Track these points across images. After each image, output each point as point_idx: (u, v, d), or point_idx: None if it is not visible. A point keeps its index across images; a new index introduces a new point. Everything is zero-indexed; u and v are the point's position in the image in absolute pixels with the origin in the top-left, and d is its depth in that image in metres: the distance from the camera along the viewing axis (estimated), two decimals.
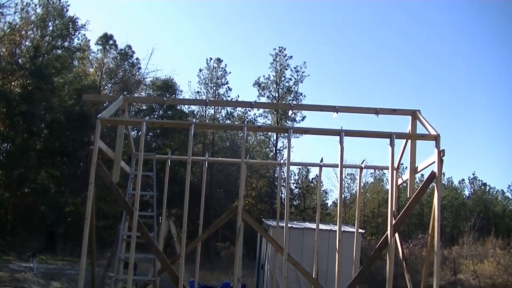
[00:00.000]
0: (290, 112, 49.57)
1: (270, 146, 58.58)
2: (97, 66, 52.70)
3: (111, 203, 40.15)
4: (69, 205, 44.87)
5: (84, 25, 49.79)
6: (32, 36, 47.12)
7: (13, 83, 43.97)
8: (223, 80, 57.76)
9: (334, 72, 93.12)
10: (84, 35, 51.32)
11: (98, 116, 13.08)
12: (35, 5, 47.28)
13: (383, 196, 56.83)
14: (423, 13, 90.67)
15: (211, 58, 58.28)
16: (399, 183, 15.69)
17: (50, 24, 48.30)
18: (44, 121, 45.03)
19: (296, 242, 21.00)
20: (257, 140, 61.11)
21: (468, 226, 46.44)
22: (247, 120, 53.86)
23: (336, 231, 13.23)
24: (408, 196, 14.47)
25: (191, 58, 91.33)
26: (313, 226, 19.57)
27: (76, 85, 47.34)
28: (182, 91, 56.99)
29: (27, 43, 46.71)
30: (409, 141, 14.30)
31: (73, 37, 50.00)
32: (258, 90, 55.95)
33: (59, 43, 48.89)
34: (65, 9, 49.05)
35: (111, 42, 52.94)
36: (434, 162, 12.67)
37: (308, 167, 56.28)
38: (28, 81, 42.97)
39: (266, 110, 55.18)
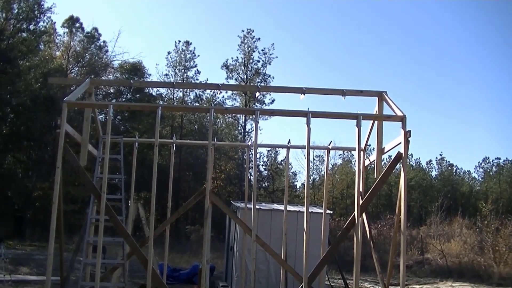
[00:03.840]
0: (257, 94, 49.67)
1: (239, 128, 58.56)
2: (64, 49, 52.04)
3: (79, 187, 39.90)
4: (37, 190, 44.51)
5: (50, 8, 49.30)
6: None
7: None
8: (191, 63, 57.48)
9: (302, 54, 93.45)
10: (50, 17, 50.78)
11: (65, 99, 12.95)
12: None
13: (352, 177, 57.17)
14: None
15: (179, 41, 57.90)
16: (366, 164, 15.82)
17: (15, 6, 47.51)
18: (10, 105, 44.57)
19: (265, 224, 21.08)
20: (226, 122, 61.09)
21: (435, 207, 46.94)
22: (215, 102, 53.74)
23: (304, 212, 13.31)
24: (375, 177, 14.59)
25: (159, 40, 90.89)
26: (281, 207, 19.65)
27: (42, 68, 46.82)
28: (150, 74, 56.62)
29: None
30: (376, 122, 14.41)
31: (38, 20, 49.38)
32: (227, 73, 56.03)
33: (25, 26, 48.14)
34: None
35: (77, 24, 52.42)
36: (400, 143, 12.77)
37: (276, 149, 56.54)
38: None
39: (234, 92, 55.14)
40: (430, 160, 77.05)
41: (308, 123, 12.88)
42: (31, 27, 48.79)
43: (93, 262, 13.28)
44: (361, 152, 14.00)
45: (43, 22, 50.27)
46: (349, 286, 21.46)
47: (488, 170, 77.42)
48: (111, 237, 15.32)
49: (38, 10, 48.70)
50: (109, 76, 52.95)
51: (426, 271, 33.71)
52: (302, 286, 12.94)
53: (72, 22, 51.95)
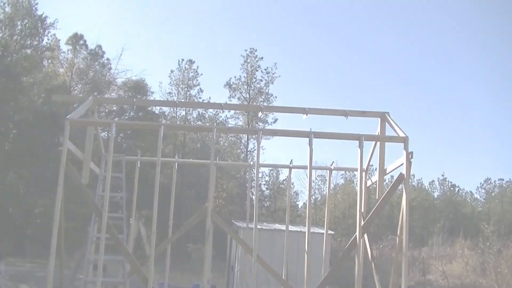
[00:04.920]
0: (260, 114, 49.63)
1: (241, 147, 58.52)
2: (67, 66, 52.17)
3: (80, 204, 39.77)
4: (38, 207, 44.32)
5: (53, 24, 49.42)
6: (0, 35, 46.55)
7: None
8: (194, 82, 57.30)
9: (305, 73, 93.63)
10: (54, 34, 50.88)
11: (68, 117, 12.98)
12: (4, 4, 46.75)
13: (354, 197, 56.89)
14: (392, 14, 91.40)
15: (182, 60, 57.85)
16: (368, 184, 15.79)
17: (18, 23, 47.69)
18: (13, 121, 44.54)
19: (266, 244, 21.07)
20: (228, 141, 61.02)
21: (437, 227, 46.78)
22: (218, 121, 53.74)
23: (305, 232, 13.28)
24: (377, 197, 14.55)
25: (162, 59, 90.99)
26: (283, 227, 19.62)
27: (45, 85, 46.81)
28: (153, 92, 56.54)
29: None
30: (378, 143, 14.39)
31: (42, 36, 49.52)
32: (229, 91, 55.89)
33: (28, 42, 48.38)
34: (34, 8, 48.52)
35: (81, 42, 52.54)
36: (402, 164, 12.76)
37: (278, 169, 56.44)
38: None
39: (237, 111, 55.11)
40: (432, 181, 76.79)
41: (310, 144, 12.89)
42: (35, 43, 48.95)
43: (94, 281, 13.23)
44: (363, 173, 13.99)
45: (47, 39, 50.48)
46: None
47: (491, 191, 77.16)
48: (112, 255, 15.27)
49: (42, 26, 48.82)
50: (112, 94, 52.94)
51: None
52: None
53: (76, 39, 52.07)
